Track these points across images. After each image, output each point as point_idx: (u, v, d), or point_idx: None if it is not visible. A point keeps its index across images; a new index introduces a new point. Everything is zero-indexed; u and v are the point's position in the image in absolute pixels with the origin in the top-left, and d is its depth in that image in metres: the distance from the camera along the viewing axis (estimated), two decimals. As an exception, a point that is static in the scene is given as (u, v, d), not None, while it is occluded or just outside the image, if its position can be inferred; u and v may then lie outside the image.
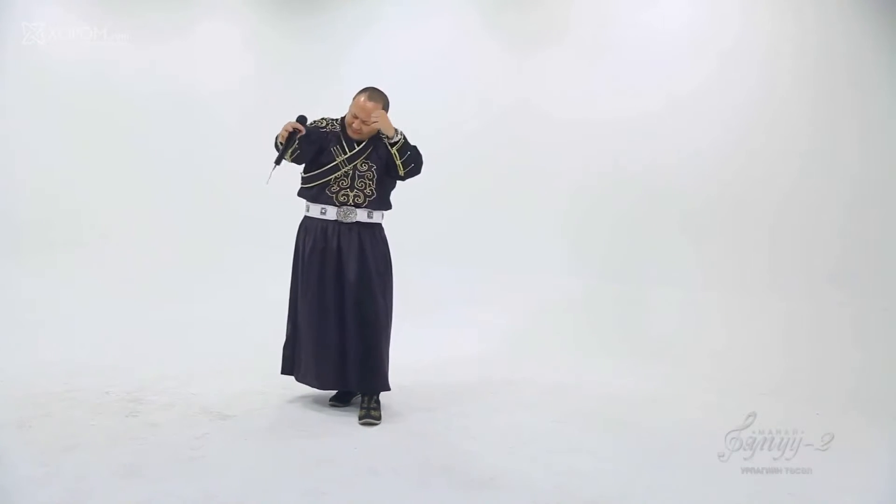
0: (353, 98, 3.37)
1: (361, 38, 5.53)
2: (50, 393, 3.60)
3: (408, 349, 3.62)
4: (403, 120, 3.53)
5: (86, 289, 5.28)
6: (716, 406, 3.60)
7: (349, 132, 3.38)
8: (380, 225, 3.48)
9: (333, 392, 3.61)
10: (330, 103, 4.78)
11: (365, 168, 3.36)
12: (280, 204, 5.36)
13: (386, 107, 3.40)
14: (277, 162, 3.29)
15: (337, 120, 3.45)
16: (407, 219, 3.69)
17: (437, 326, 4.62)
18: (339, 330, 3.40)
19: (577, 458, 3.03)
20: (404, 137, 3.34)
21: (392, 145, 3.32)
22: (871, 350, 3.91)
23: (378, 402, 3.42)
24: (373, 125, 3.29)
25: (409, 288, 3.64)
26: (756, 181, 4.31)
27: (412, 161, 3.36)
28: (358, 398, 3.57)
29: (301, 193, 3.51)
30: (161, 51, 5.92)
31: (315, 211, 3.44)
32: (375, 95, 3.36)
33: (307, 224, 3.49)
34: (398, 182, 3.50)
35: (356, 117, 3.32)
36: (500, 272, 4.94)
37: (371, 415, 3.34)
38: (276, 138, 3.33)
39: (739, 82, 4.32)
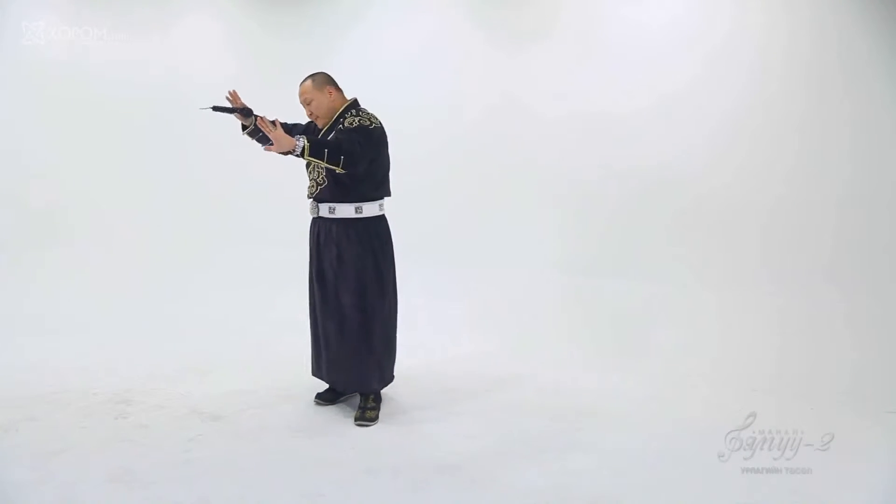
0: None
1: (348, 35, 5.45)
2: (35, 394, 3.53)
3: (399, 347, 3.57)
4: (391, 118, 3.48)
5: (70, 287, 5.17)
6: (713, 404, 3.58)
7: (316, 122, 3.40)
8: (360, 220, 3.28)
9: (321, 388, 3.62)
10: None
11: None
12: (270, 202, 5.35)
13: (318, 81, 3.30)
14: (218, 108, 3.34)
15: None
16: (396, 216, 3.63)
17: (427, 324, 4.57)
18: (316, 327, 3.48)
19: (575, 457, 3.00)
20: (307, 143, 3.04)
21: (302, 156, 3.07)
22: (864, 345, 3.91)
23: (376, 402, 3.38)
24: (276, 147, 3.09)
25: (398, 285, 3.60)
26: (748, 178, 4.30)
27: (340, 155, 3.07)
28: (345, 398, 3.57)
29: None
30: (159, 47, 5.83)
31: None
32: (307, 80, 3.33)
33: None
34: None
35: (305, 107, 3.36)
36: (491, 269, 4.89)
37: (366, 415, 3.30)
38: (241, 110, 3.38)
39: (731, 79, 4.30)
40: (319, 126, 3.38)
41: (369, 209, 3.32)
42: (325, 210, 3.32)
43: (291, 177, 4.03)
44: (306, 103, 3.33)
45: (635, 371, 4.02)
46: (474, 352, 4.41)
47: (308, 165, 3.36)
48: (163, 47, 5.81)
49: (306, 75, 3.37)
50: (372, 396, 3.38)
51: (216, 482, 2.73)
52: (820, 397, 3.66)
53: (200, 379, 3.85)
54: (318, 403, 3.53)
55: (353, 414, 3.36)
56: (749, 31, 4.28)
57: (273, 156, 3.50)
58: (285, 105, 5.41)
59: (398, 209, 3.64)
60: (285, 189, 4.30)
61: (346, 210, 3.29)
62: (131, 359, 4.12)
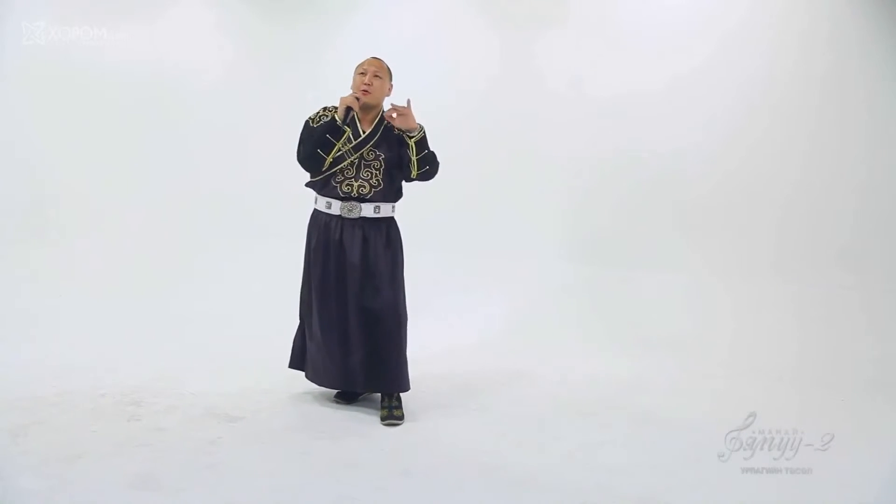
0: (356, 70, 3.26)
1: (348, 21, 5.30)
2: (40, 396, 3.33)
3: (410, 340, 3.46)
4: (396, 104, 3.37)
5: (71, 284, 4.96)
6: (734, 395, 3.55)
7: (361, 96, 3.16)
8: (389, 219, 3.30)
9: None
10: (315, 89, 4.55)
11: (371, 157, 3.18)
12: (271, 194, 5.18)
13: (390, 70, 3.30)
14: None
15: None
16: (402, 206, 3.51)
17: (436, 316, 4.43)
18: (344, 328, 3.25)
19: (612, 453, 2.93)
20: (424, 133, 3.20)
21: (410, 138, 3.17)
22: (881, 332, 3.90)
23: (399, 400, 3.26)
24: (399, 111, 3.12)
25: (406, 277, 3.50)
26: (762, 163, 4.26)
27: (427, 162, 3.23)
28: (365, 396, 3.44)
29: (308, 184, 3.33)
30: (158, 42, 5.66)
31: (321, 204, 3.28)
32: (378, 59, 3.29)
33: (315, 217, 3.33)
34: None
35: (364, 73, 3.20)
36: (500, 259, 4.78)
37: (394, 414, 3.18)
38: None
39: (746, 61, 4.25)
40: (357, 108, 3.14)
41: (396, 206, 3.35)
42: (369, 210, 3.21)
43: (291, 167, 3.86)
44: (373, 75, 3.19)
45: (657, 363, 3.99)
46: (482, 342, 4.33)
47: (352, 165, 3.17)
48: (161, 42, 5.64)
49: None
50: (397, 395, 3.26)
51: (245, 488, 2.59)
52: (838, 384, 3.65)
53: (209, 377, 3.68)
54: (337, 402, 3.41)
55: (378, 413, 3.24)
56: (765, 13, 4.23)
57: (273, 147, 3.37)
58: (281, 92, 5.28)
59: (403, 198, 3.52)
60: (286, 180, 4.13)
61: (388, 209, 3.28)
62: (134, 357, 3.94)
